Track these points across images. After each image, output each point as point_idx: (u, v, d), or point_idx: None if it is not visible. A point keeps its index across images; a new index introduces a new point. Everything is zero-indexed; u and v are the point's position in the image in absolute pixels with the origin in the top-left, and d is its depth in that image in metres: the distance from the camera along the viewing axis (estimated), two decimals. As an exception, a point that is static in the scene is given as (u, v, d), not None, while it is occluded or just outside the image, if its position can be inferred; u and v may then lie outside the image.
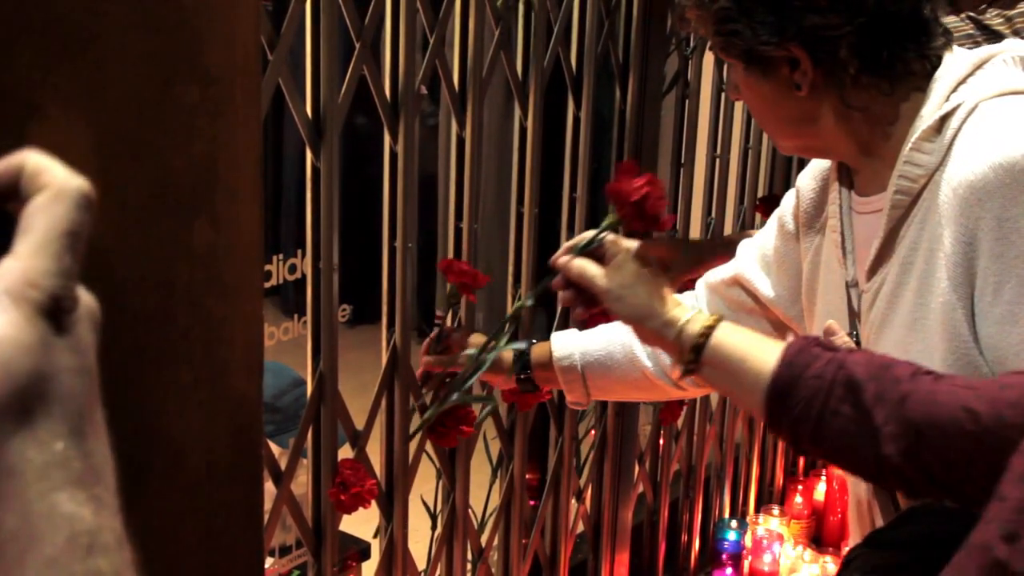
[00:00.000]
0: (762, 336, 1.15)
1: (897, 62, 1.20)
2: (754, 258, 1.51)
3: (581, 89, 1.95)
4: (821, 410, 1.03)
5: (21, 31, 0.71)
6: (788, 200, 1.46)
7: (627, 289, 1.19)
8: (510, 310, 1.90)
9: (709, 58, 2.37)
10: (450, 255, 1.77)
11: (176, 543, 0.93)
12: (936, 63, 1.21)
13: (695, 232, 2.45)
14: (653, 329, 1.17)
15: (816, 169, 1.42)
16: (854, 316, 1.31)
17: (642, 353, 1.53)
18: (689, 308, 1.18)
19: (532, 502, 2.09)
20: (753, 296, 1.51)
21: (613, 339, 1.57)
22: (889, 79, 1.20)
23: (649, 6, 2.03)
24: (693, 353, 1.14)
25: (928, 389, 1.00)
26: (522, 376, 1.62)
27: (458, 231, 1.77)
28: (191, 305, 0.87)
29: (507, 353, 1.62)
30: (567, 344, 1.60)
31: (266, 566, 1.45)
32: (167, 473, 0.90)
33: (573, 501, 2.17)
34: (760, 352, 1.09)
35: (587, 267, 1.22)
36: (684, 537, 2.66)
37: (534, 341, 1.63)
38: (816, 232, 1.40)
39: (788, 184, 2.43)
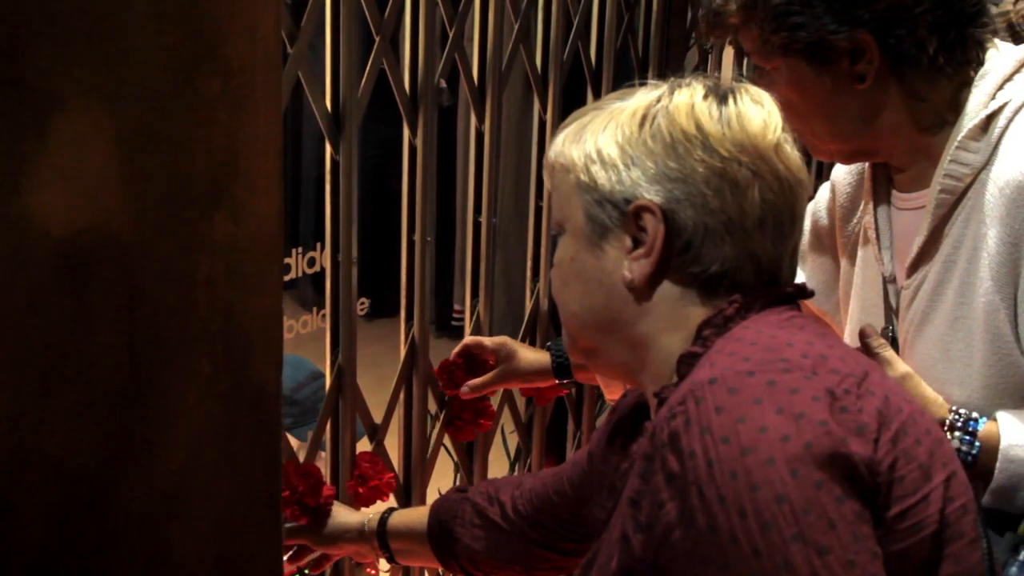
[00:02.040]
0: (420, 508, 1.44)
1: (959, 43, 1.17)
2: None
3: (601, 83, 1.94)
4: (469, 542, 1.31)
5: (43, 23, 0.72)
6: (822, 194, 1.45)
7: (323, 538, 1.43)
8: (528, 303, 1.90)
9: (729, 52, 2.36)
10: (468, 248, 1.77)
11: (193, 535, 0.93)
12: (984, 50, 1.19)
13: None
14: (354, 544, 1.43)
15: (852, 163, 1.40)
16: (891, 312, 1.29)
17: None
18: (369, 514, 1.43)
19: (549, 496, 2.09)
20: None
21: None
22: (954, 62, 1.17)
23: (669, 0, 2.02)
24: (382, 544, 1.40)
25: (530, 486, 1.27)
26: (565, 381, 1.64)
27: (476, 224, 1.77)
28: (211, 297, 0.88)
29: (546, 356, 1.63)
30: None
31: (284, 559, 1.46)
32: (185, 464, 0.90)
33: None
34: (420, 519, 1.37)
35: (298, 536, 1.44)
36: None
37: None
38: (853, 226, 1.38)
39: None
